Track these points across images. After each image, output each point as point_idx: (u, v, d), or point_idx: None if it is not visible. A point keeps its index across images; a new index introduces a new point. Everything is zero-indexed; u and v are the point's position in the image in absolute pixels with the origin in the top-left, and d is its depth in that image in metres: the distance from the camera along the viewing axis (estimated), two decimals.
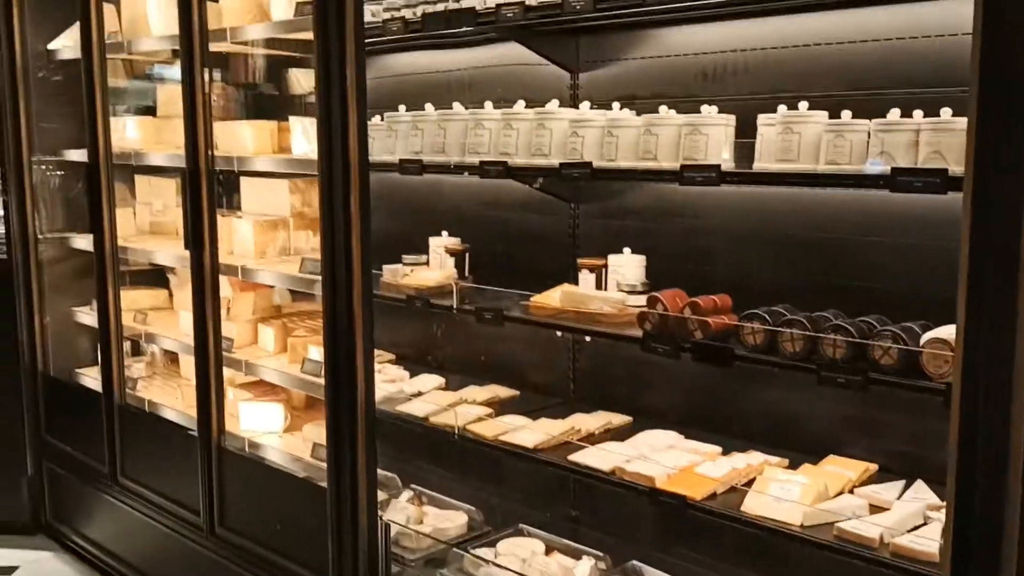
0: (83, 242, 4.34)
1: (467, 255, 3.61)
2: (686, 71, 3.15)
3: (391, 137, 3.51)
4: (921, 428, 2.67)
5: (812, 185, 2.53)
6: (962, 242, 1.92)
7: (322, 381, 3.16)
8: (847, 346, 2.34)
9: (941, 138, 2.19)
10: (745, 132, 2.71)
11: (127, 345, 4.30)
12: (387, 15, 3.40)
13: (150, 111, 4.57)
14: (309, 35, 3.03)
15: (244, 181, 4.01)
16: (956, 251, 1.92)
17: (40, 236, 4.52)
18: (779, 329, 2.46)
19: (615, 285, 3.10)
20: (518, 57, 3.50)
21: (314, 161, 3.07)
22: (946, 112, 2.27)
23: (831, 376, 2.34)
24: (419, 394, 3.63)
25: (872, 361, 2.30)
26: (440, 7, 3.20)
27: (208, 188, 3.49)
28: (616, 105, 3.13)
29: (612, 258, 3.17)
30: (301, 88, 4.49)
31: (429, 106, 3.49)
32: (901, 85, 2.63)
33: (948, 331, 2.21)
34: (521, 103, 3.21)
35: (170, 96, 4.24)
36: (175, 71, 4.37)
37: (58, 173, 4.59)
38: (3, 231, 4.58)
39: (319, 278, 3.10)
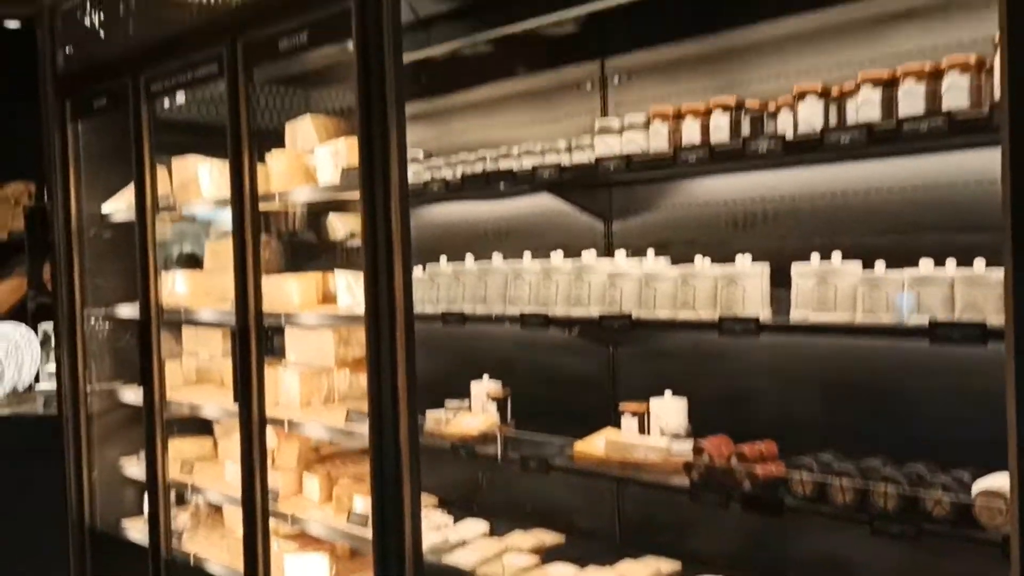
0: (130, 394, 4.44)
1: (508, 400, 3.66)
2: (717, 219, 3.26)
3: (433, 288, 3.62)
4: (977, 571, 2.62)
5: (850, 335, 2.58)
6: (1008, 397, 1.96)
7: (369, 534, 3.18)
8: (898, 496, 2.34)
9: (976, 292, 2.24)
10: (779, 276, 2.79)
11: (171, 494, 4.34)
12: (428, 175, 3.57)
13: (197, 258, 4.74)
14: (354, 195, 3.19)
15: (289, 330, 4.12)
16: (1000, 394, 1.96)
17: (89, 388, 4.63)
18: (829, 480, 2.47)
19: (658, 430, 3.13)
20: (553, 206, 3.63)
21: (358, 316, 3.18)
22: (979, 263, 2.33)
23: (884, 527, 2.33)
24: (464, 543, 3.62)
25: (925, 512, 2.30)
26: (479, 167, 3.35)
27: (257, 344, 3.60)
28: (650, 252, 3.22)
29: (654, 402, 3.20)
30: (340, 233, 4.66)
31: (470, 257, 3.61)
32: (932, 231, 2.71)
33: (998, 481, 2.21)
34: (559, 253, 3.32)
35: (217, 250, 4.40)
36: (221, 225, 4.57)
37: (107, 325, 4.73)
38: (54, 386, 4.69)
39: (365, 429, 3.16)
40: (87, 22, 4.28)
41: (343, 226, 4.59)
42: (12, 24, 4.55)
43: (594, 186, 3.48)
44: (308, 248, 4.77)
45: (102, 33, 4.26)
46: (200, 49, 3.61)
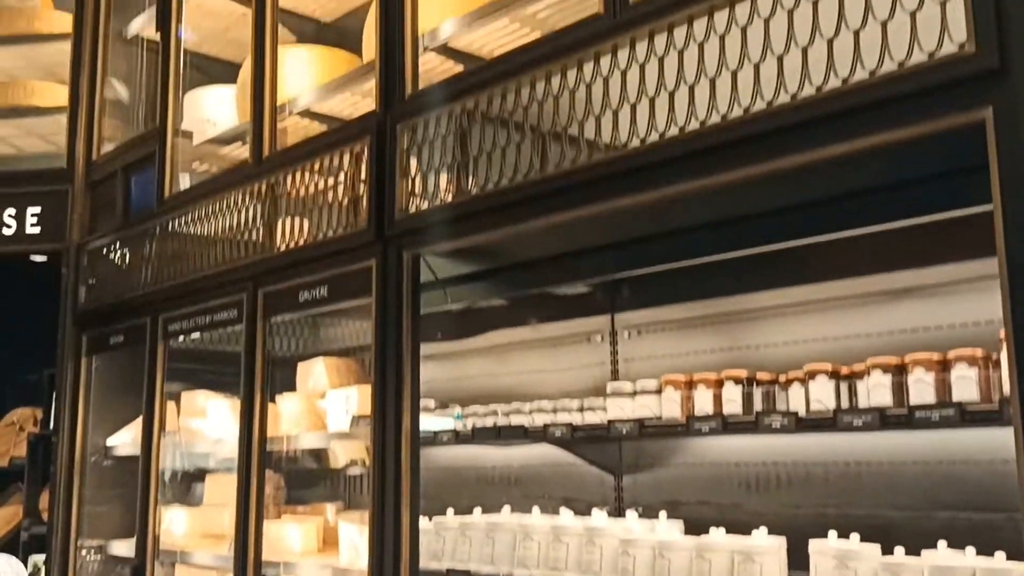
0: None
1: None
2: (729, 480, 3.23)
3: (439, 541, 3.53)
4: None
5: None
6: None
7: None
8: None
9: None
10: (793, 545, 2.72)
11: None
12: (439, 426, 3.57)
13: (196, 484, 4.65)
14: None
15: None
16: None
17: None
18: None
19: None
20: (563, 457, 3.61)
21: (361, 570, 3.08)
22: (1000, 555, 2.29)
23: None
24: None
25: None
26: (490, 422, 3.36)
27: None
28: (663, 515, 3.16)
29: None
30: (341, 461, 4.61)
31: (478, 511, 3.55)
32: (947, 508, 2.68)
33: None
34: (569, 513, 3.26)
35: (218, 483, 4.33)
36: (223, 454, 4.53)
37: (100, 558, 4.59)
38: None
39: None
40: (111, 259, 4.42)
41: (344, 454, 4.56)
42: (39, 258, 4.70)
43: (605, 440, 3.47)
44: (309, 476, 4.71)
45: (124, 269, 4.38)
46: (221, 295, 3.70)
